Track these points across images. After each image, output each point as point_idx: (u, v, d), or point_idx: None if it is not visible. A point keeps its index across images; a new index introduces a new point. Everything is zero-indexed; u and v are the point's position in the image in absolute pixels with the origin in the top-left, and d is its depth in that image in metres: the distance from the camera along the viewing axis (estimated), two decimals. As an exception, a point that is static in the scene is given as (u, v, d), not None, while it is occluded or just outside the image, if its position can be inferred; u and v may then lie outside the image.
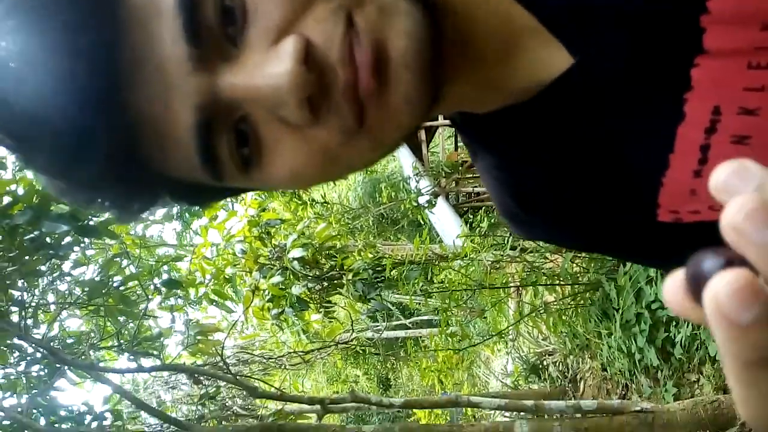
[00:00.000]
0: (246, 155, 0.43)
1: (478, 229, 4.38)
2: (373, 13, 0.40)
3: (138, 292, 2.61)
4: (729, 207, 0.21)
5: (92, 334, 3.37)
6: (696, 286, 0.23)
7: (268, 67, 0.39)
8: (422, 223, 5.78)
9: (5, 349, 2.58)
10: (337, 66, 0.40)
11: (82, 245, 2.08)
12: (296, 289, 4.11)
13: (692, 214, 0.48)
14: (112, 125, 0.40)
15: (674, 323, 3.31)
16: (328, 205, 5.92)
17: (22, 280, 2.09)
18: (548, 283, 4.16)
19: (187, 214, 7.81)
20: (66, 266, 2.36)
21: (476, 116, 0.52)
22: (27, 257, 1.80)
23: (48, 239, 1.72)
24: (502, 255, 4.18)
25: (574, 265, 4.15)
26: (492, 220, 4.38)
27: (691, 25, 0.40)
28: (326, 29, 0.40)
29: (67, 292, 2.56)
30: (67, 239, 1.79)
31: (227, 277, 4.36)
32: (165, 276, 3.18)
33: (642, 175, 0.48)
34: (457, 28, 0.45)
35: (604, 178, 0.50)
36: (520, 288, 4.77)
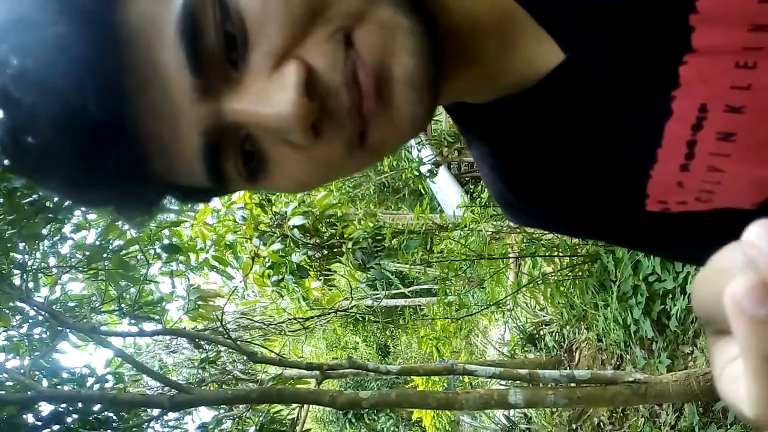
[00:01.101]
0: (251, 169, 0.45)
1: (478, 199, 4.38)
2: (374, 33, 0.41)
3: (138, 257, 2.63)
4: (735, 282, 0.22)
5: (93, 298, 3.41)
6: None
7: (272, 96, 0.40)
8: (423, 192, 5.78)
9: (7, 311, 2.61)
10: (340, 90, 0.40)
11: (83, 209, 2.08)
12: (296, 257, 4.14)
13: (679, 205, 0.50)
14: (121, 150, 0.41)
15: (670, 296, 3.34)
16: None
17: (23, 243, 2.10)
18: (547, 254, 4.18)
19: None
20: (66, 230, 2.37)
21: (471, 106, 0.53)
22: (27, 221, 1.81)
23: (47, 203, 1.73)
24: (501, 226, 4.20)
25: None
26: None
27: (680, 24, 0.41)
28: (327, 53, 0.40)
29: (68, 255, 2.57)
30: (68, 202, 1.79)
31: (228, 243, 4.38)
32: (166, 241, 3.19)
33: (631, 168, 0.49)
34: (455, 26, 0.46)
35: (594, 168, 0.51)
36: (519, 259, 4.79)
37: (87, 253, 2.10)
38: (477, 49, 0.47)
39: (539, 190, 0.56)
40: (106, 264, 2.20)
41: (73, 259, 2.45)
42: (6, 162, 0.43)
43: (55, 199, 1.73)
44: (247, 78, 0.41)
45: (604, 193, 0.53)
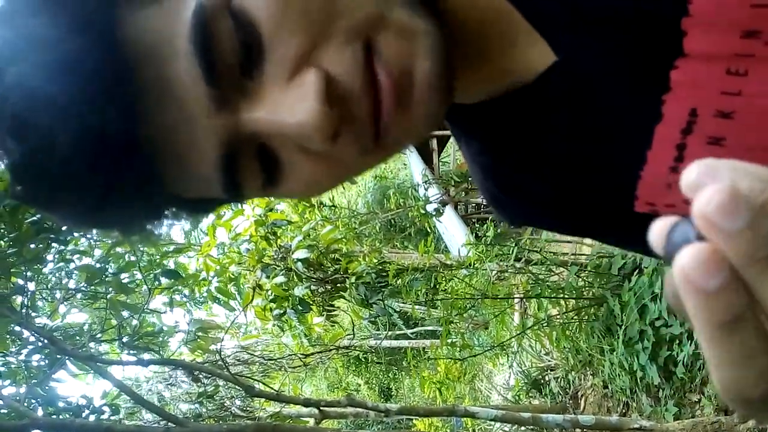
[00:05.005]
0: (267, 177, 0.44)
1: (483, 238, 4.36)
2: (395, 38, 0.41)
3: (137, 281, 2.62)
4: (700, 197, 0.22)
5: (94, 326, 3.38)
6: (669, 255, 0.24)
7: (292, 105, 0.39)
8: (429, 231, 5.77)
9: (6, 336, 2.59)
10: (360, 96, 0.41)
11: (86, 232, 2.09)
12: (299, 291, 4.11)
13: (668, 207, 0.50)
14: (139, 169, 0.41)
15: (677, 342, 3.27)
16: (336, 209, 5.93)
17: (25, 267, 2.10)
18: (552, 296, 4.13)
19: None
20: (68, 253, 2.36)
21: (462, 105, 0.53)
22: (29, 241, 1.81)
23: (50, 223, 1.73)
24: (506, 265, 4.16)
25: (579, 279, 4.12)
26: (498, 230, 4.36)
27: (672, 28, 0.41)
28: (346, 60, 0.40)
29: (68, 277, 2.56)
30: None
31: (232, 275, 4.37)
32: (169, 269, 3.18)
33: (620, 169, 0.49)
34: (458, 29, 0.46)
35: (584, 169, 0.51)
36: (524, 300, 4.73)
37: (87, 275, 2.09)
38: (475, 50, 0.48)
39: (529, 188, 0.56)
40: (106, 287, 2.19)
41: (73, 282, 2.44)
42: (18, 189, 0.42)
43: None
44: (264, 87, 0.40)
45: (593, 194, 0.53)
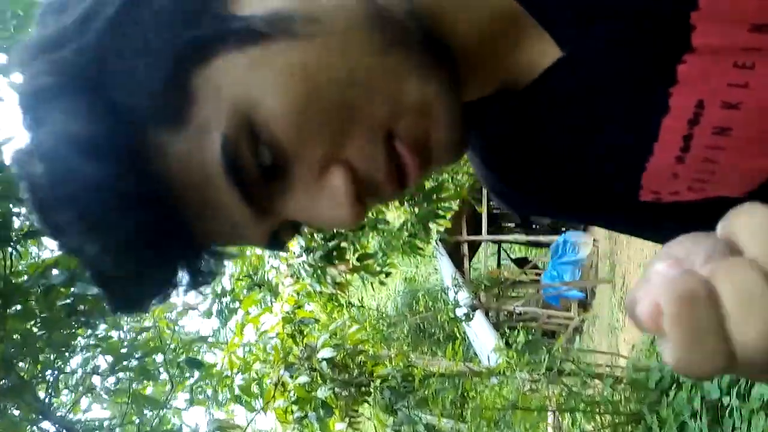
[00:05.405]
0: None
1: (514, 345, 4.23)
2: (413, 122, 0.44)
3: (160, 368, 2.59)
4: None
5: (114, 421, 3.32)
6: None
7: (326, 208, 0.44)
8: (458, 336, 5.64)
9: (27, 422, 2.56)
10: (385, 182, 0.45)
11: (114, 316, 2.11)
12: (322, 392, 3.99)
13: (672, 195, 0.51)
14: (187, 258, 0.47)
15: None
16: (364, 310, 5.87)
17: (52, 351, 2.11)
18: (587, 410, 3.92)
19: (225, 311, 7.85)
20: (96, 339, 2.37)
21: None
22: (59, 322, 1.84)
23: (81, 306, 1.76)
24: (538, 374, 4.00)
25: (615, 392, 3.92)
26: (530, 337, 4.24)
27: (681, 22, 0.41)
28: (369, 157, 0.44)
29: (92, 370, 2.54)
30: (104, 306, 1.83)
31: (256, 373, 4.29)
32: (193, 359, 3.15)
33: (625, 162, 0.50)
34: (462, 40, 0.48)
35: (589, 162, 0.52)
36: (557, 414, 4.50)
37: (113, 356, 2.09)
38: (482, 54, 0.49)
39: (532, 181, 0.57)
40: (130, 375, 2.18)
41: (98, 378, 2.42)
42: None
43: (89, 298, 1.77)
44: (295, 186, 0.44)
45: (598, 185, 0.54)
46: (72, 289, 1.69)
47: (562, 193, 0.57)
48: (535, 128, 0.53)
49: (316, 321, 4.59)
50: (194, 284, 0.48)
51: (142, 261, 0.43)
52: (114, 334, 2.60)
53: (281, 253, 4.98)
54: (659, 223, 0.55)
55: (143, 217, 0.41)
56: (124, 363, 2.11)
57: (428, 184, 5.42)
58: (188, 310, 4.16)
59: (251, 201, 0.43)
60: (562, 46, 0.47)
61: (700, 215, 0.51)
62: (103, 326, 2.20)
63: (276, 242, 0.48)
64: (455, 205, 6.43)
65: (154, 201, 0.41)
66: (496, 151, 0.57)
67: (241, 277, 5.63)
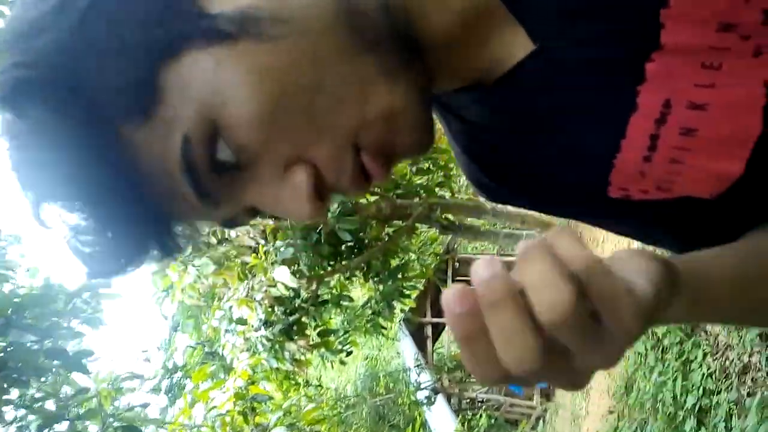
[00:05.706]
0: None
1: (477, 429, 4.08)
2: (379, 129, 0.45)
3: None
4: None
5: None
6: None
7: (288, 203, 0.45)
8: (419, 421, 5.44)
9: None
10: (349, 186, 0.46)
11: (54, 372, 1.95)
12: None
13: (641, 193, 0.51)
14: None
15: None
16: (322, 389, 5.65)
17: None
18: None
19: (176, 388, 7.52)
20: (30, 399, 2.19)
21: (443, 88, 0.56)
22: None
23: (13, 363, 1.62)
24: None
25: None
26: (492, 421, 4.11)
27: (650, 20, 0.42)
28: (334, 161, 0.45)
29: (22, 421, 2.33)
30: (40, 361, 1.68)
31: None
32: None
33: (595, 157, 0.50)
34: (434, 34, 0.48)
35: (559, 156, 0.53)
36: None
37: (43, 419, 1.92)
38: (454, 47, 0.49)
39: (505, 171, 0.58)
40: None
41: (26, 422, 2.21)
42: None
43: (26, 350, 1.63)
44: (259, 180, 0.45)
45: (568, 179, 0.54)
46: (7, 340, 1.56)
47: (534, 184, 0.57)
48: (506, 119, 0.53)
49: (270, 398, 4.38)
50: (165, 253, 0.49)
51: (115, 234, 0.44)
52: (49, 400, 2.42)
53: (239, 327, 4.84)
54: (627, 219, 0.56)
55: (113, 200, 0.43)
56: (54, 427, 1.94)
57: (394, 263, 5.42)
58: (133, 378, 3.92)
59: (208, 197, 0.44)
60: (534, 39, 0.47)
61: (668, 213, 0.52)
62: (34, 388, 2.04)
63: (233, 223, 0.50)
64: (420, 284, 6.39)
65: (124, 186, 0.43)
66: (472, 137, 0.58)
67: (195, 345, 5.41)
